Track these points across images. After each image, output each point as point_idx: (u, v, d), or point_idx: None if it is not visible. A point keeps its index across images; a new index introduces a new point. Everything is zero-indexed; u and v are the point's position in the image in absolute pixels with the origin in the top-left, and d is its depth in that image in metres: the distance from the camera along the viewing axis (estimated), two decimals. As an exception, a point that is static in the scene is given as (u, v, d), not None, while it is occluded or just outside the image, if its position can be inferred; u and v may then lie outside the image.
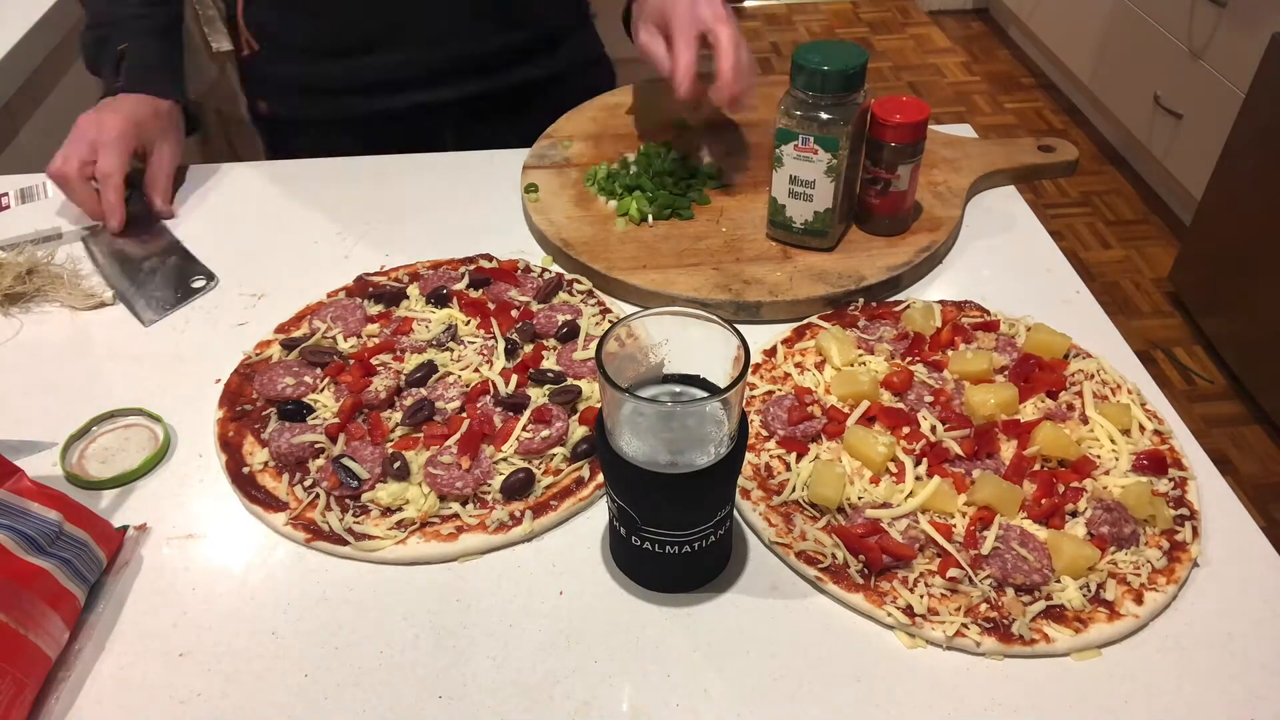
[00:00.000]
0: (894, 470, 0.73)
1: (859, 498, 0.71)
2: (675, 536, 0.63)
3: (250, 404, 0.80)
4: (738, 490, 0.72)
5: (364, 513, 0.71)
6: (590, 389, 0.80)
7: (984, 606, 0.65)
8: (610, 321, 0.88)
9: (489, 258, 0.96)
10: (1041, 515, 0.70)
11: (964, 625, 0.63)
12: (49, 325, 0.92)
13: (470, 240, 1.00)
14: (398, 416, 0.78)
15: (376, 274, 0.95)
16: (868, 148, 0.93)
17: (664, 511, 0.61)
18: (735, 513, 0.72)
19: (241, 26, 1.22)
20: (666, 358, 0.62)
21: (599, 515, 0.73)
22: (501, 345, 0.84)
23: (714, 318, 0.59)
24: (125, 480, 0.75)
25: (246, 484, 0.74)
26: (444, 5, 1.15)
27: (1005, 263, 0.98)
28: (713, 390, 0.60)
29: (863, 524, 0.69)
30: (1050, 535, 0.68)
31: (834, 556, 0.67)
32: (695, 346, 0.60)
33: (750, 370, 0.82)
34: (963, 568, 0.66)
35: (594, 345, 0.83)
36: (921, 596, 0.65)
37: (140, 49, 1.09)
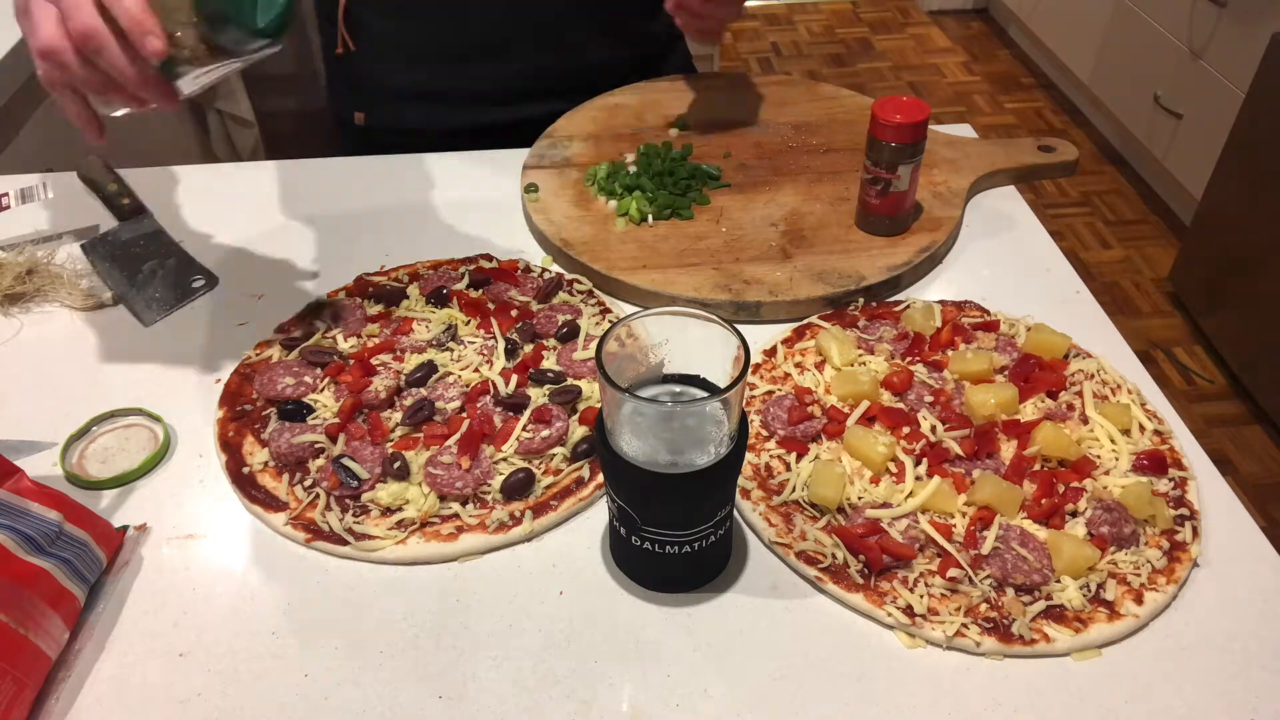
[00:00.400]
0: (894, 470, 0.73)
1: (859, 498, 0.71)
2: (675, 536, 0.63)
3: (250, 404, 0.80)
4: (738, 490, 0.72)
5: (364, 513, 0.71)
6: (590, 389, 0.80)
7: (984, 606, 0.65)
8: (610, 321, 0.88)
9: (489, 258, 0.96)
10: (1041, 515, 0.70)
11: (964, 625, 0.63)
12: (49, 325, 0.92)
13: (470, 240, 1.00)
14: (398, 416, 0.78)
15: (376, 274, 0.95)
16: (868, 147, 0.93)
17: (664, 511, 0.61)
18: (735, 513, 0.72)
19: (340, 24, 1.16)
20: (666, 358, 0.62)
21: (599, 515, 0.73)
22: (501, 345, 0.84)
23: (714, 318, 0.59)
24: (125, 480, 0.75)
25: (246, 484, 0.74)
26: (557, 16, 1.13)
27: (1005, 263, 0.98)
28: (713, 390, 0.61)
29: (863, 524, 0.69)
30: (1050, 535, 0.68)
31: (834, 556, 0.67)
32: (695, 346, 0.60)
33: (750, 370, 0.82)
34: (963, 568, 0.66)
35: (594, 345, 0.83)
36: (921, 596, 0.65)
37: None
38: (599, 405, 0.79)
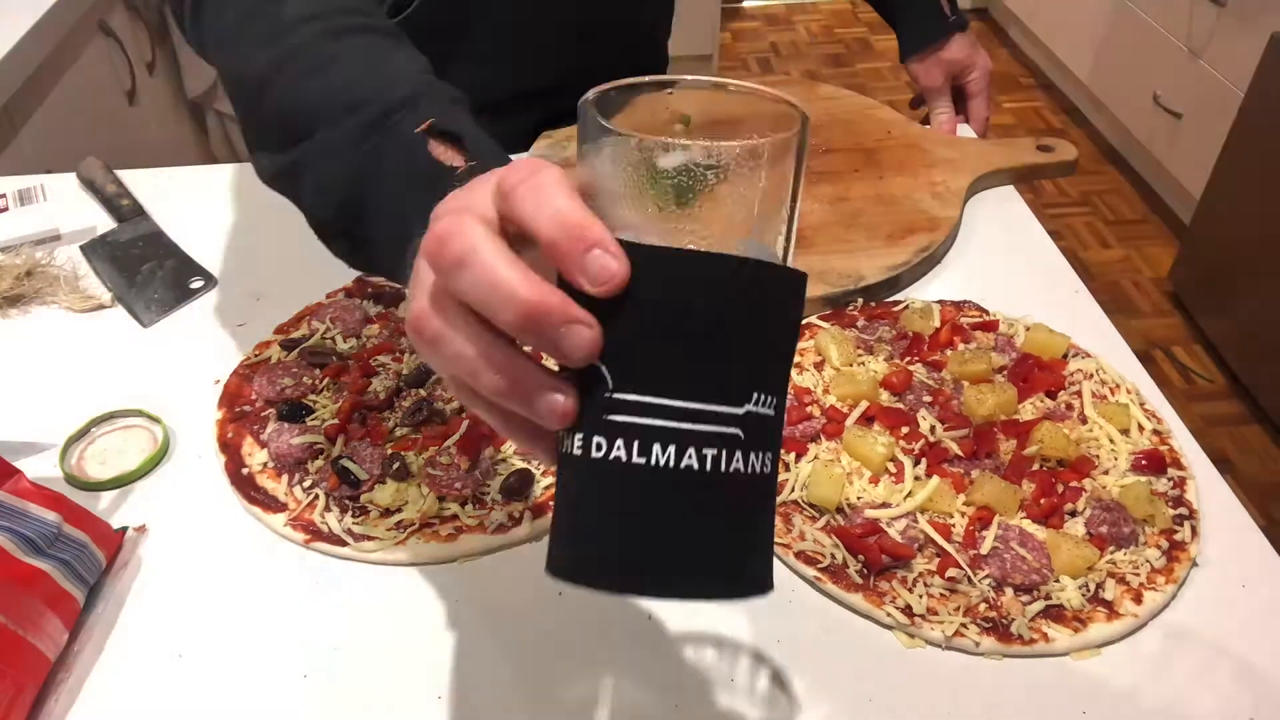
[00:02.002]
0: (893, 470, 0.73)
1: (858, 498, 0.71)
2: (675, 416, 0.33)
3: (249, 405, 0.80)
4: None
5: (363, 513, 0.71)
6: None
7: (983, 606, 0.65)
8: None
9: (488, 258, 0.96)
10: (1040, 515, 0.70)
11: (963, 625, 0.63)
12: (48, 326, 0.92)
13: (469, 241, 1.00)
14: (397, 417, 0.78)
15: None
16: None
17: (667, 342, 0.34)
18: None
19: None
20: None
21: (598, 515, 0.73)
22: (501, 346, 0.84)
23: (753, 86, 0.39)
24: (125, 481, 0.75)
25: (246, 485, 0.74)
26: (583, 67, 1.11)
27: (1004, 263, 0.98)
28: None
29: (862, 524, 0.69)
30: (1049, 535, 0.68)
31: (833, 556, 0.67)
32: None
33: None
34: (962, 567, 0.66)
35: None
36: (920, 596, 0.65)
37: (453, 116, 0.53)
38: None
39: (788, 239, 0.38)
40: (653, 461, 0.33)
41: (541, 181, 0.34)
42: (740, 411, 0.34)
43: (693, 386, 0.34)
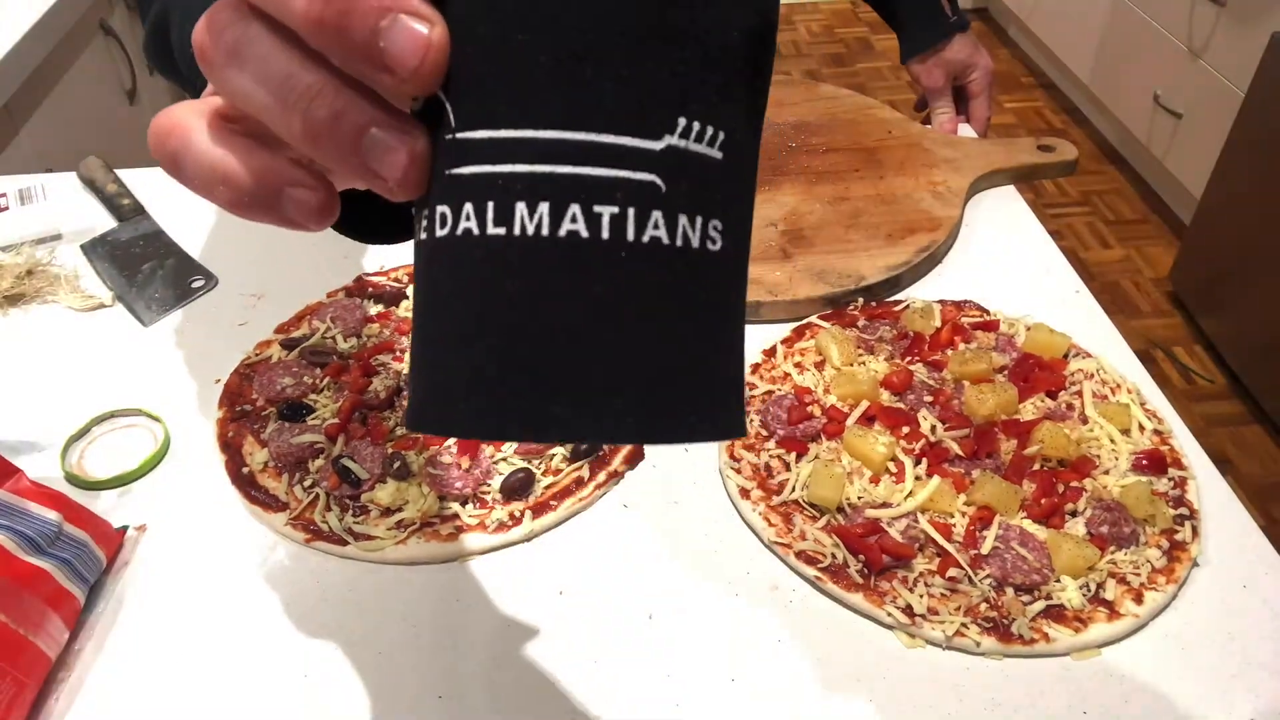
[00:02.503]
0: (893, 470, 0.73)
1: (859, 497, 0.71)
2: (549, 158, 0.22)
3: (250, 404, 0.80)
4: (738, 490, 0.72)
5: (364, 513, 0.71)
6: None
7: (984, 606, 0.65)
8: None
9: (489, 258, 0.96)
10: (1041, 515, 0.70)
11: (964, 625, 0.63)
12: (49, 325, 0.92)
13: (470, 240, 1.00)
14: (397, 416, 0.78)
15: (376, 274, 0.95)
16: None
17: (524, 50, 0.22)
18: (735, 511, 0.72)
19: None
20: None
21: (599, 515, 0.73)
22: (501, 345, 0.84)
23: None
24: (125, 480, 0.75)
25: (246, 484, 0.74)
26: None
27: (1005, 262, 0.98)
28: None
29: (862, 524, 0.69)
30: (1050, 535, 0.68)
31: (833, 556, 0.67)
32: None
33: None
34: (962, 567, 0.66)
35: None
36: (921, 596, 0.65)
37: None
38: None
39: None
40: (517, 230, 0.22)
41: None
42: (656, 147, 0.23)
43: (573, 108, 0.22)
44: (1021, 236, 1.02)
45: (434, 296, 0.24)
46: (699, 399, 0.24)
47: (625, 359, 0.22)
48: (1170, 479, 0.73)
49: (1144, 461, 0.74)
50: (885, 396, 0.79)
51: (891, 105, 1.20)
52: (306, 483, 0.73)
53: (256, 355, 0.85)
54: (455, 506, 0.71)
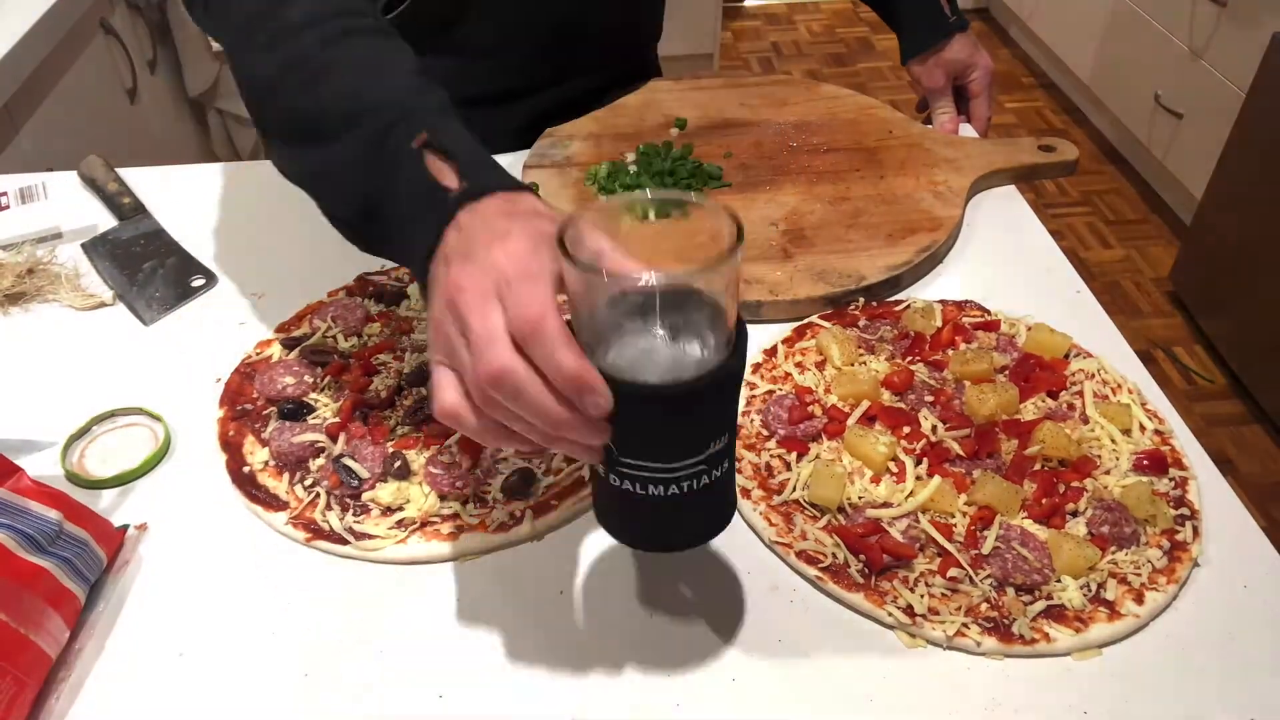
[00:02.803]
0: (894, 470, 0.73)
1: (859, 497, 0.71)
2: (659, 473, 0.51)
3: (250, 403, 0.80)
4: (738, 490, 0.72)
5: (364, 512, 0.71)
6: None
7: (984, 606, 0.65)
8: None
9: (489, 257, 0.96)
10: (1042, 515, 0.70)
11: (964, 625, 0.63)
12: (49, 325, 0.92)
13: (470, 240, 1.00)
14: (398, 416, 0.78)
15: (377, 273, 0.95)
16: None
17: (642, 434, 0.50)
18: (735, 510, 0.72)
19: None
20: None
21: (599, 515, 0.73)
22: (502, 345, 0.84)
23: (693, 197, 0.49)
24: (126, 480, 0.75)
25: (247, 483, 0.74)
26: (571, 60, 1.13)
27: (1005, 262, 0.98)
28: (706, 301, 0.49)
29: (863, 523, 0.69)
30: (1051, 535, 0.68)
31: (834, 556, 0.67)
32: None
33: (753, 367, 0.82)
34: (963, 567, 0.66)
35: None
36: (922, 596, 0.65)
37: (444, 128, 0.58)
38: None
39: (736, 313, 0.49)
40: (651, 494, 0.52)
41: (543, 335, 0.47)
42: (701, 458, 0.51)
43: (665, 453, 0.51)
44: (1022, 236, 1.02)
45: (618, 502, 0.54)
46: (722, 520, 0.58)
47: (697, 523, 0.57)
48: (1171, 479, 0.73)
49: (1145, 461, 0.74)
50: (886, 396, 0.79)
51: (892, 105, 1.20)
52: (307, 482, 0.73)
53: (257, 354, 0.85)
54: (456, 506, 0.71)
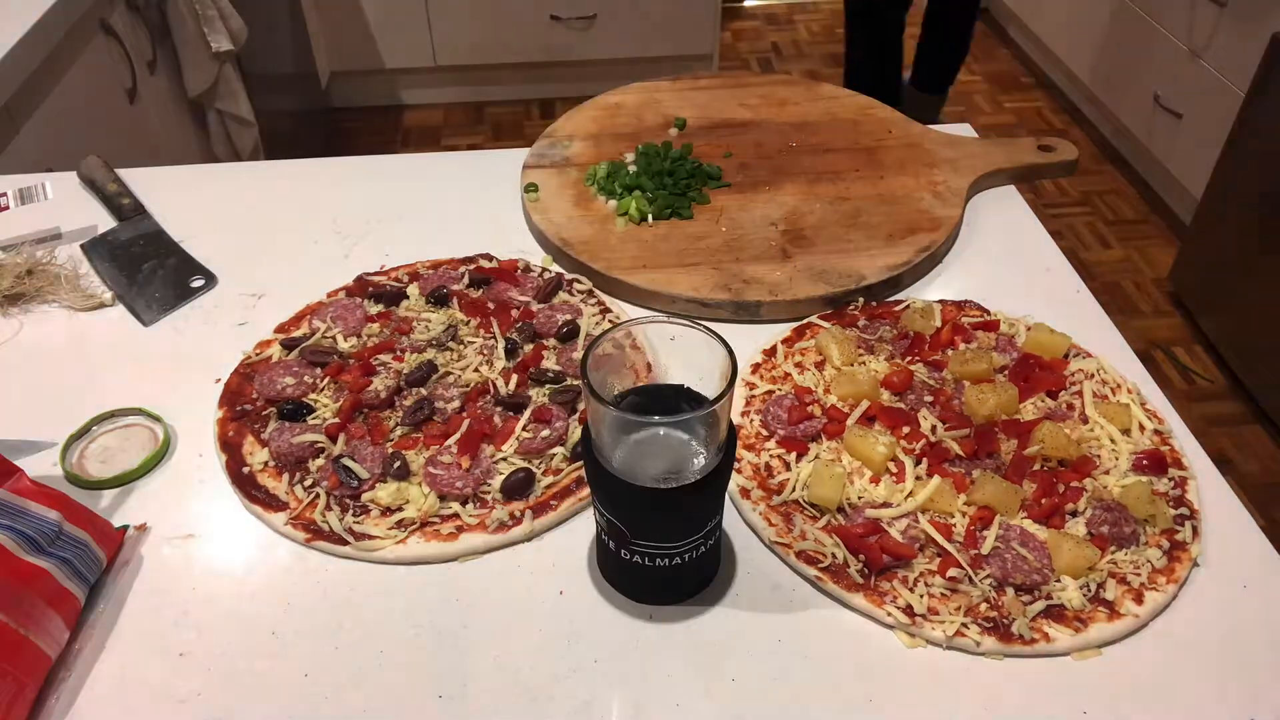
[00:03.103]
0: (894, 470, 0.73)
1: (859, 497, 0.71)
2: (666, 549, 0.62)
3: (250, 404, 0.80)
4: (738, 490, 0.72)
5: (364, 512, 0.71)
6: (590, 389, 0.80)
7: (984, 606, 0.65)
8: (610, 322, 0.88)
9: (489, 257, 0.96)
10: (1041, 515, 0.70)
11: (964, 625, 0.63)
12: (49, 325, 0.92)
13: (470, 240, 1.00)
14: (398, 416, 0.78)
15: (376, 274, 0.95)
16: None
17: (655, 525, 0.61)
18: (735, 512, 0.72)
19: None
20: (665, 369, 0.62)
21: (599, 515, 0.73)
22: (501, 345, 0.84)
23: (701, 326, 0.58)
24: (125, 480, 0.75)
25: (246, 484, 0.74)
26: None
27: (1005, 262, 0.98)
28: (700, 400, 0.60)
29: (863, 524, 0.69)
30: (1050, 535, 0.68)
31: (834, 556, 0.67)
32: (682, 353, 0.60)
33: (742, 376, 0.82)
34: (963, 567, 0.66)
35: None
36: (921, 596, 0.65)
37: None
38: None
39: (728, 429, 0.59)
40: (658, 564, 0.63)
41: None
42: (700, 535, 0.62)
43: (668, 536, 0.61)
44: (1022, 236, 1.02)
45: (631, 569, 0.64)
46: (710, 580, 0.69)
47: (695, 581, 0.68)
48: (1170, 479, 0.73)
49: (1144, 461, 0.74)
50: (885, 396, 0.79)
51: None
52: (307, 482, 0.73)
53: (257, 355, 0.85)
54: (455, 506, 0.71)
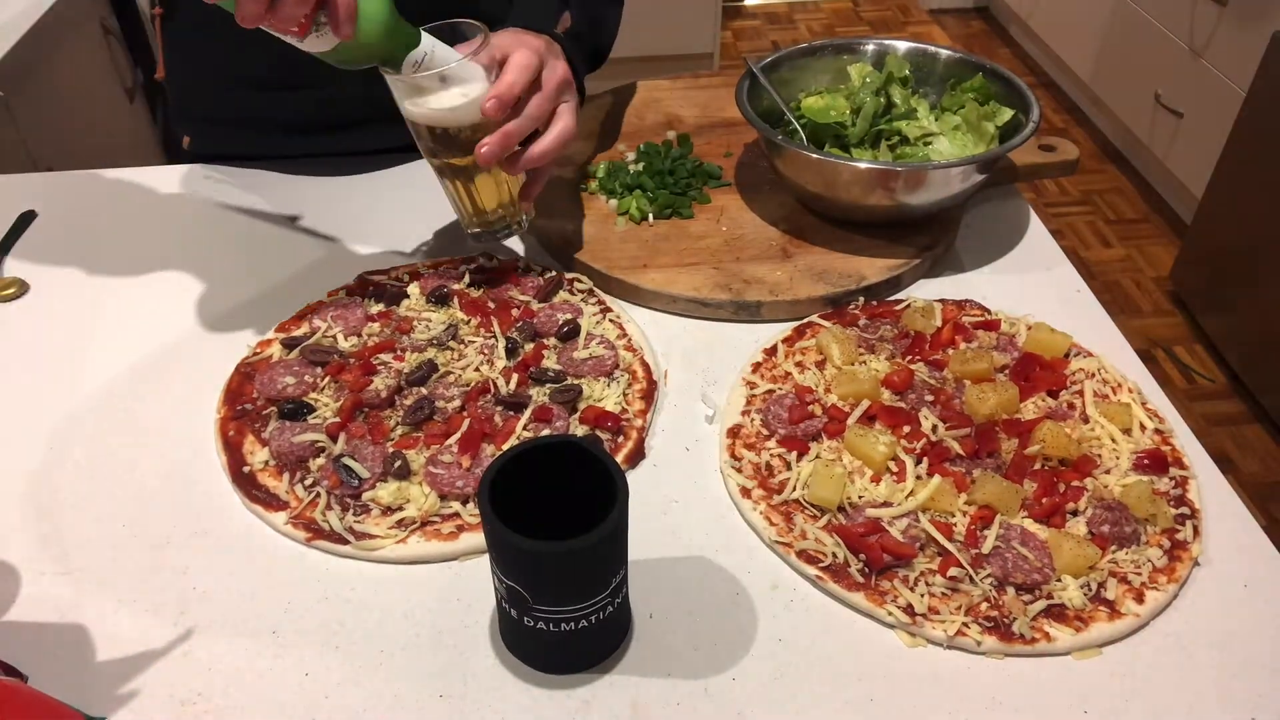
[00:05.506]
0: (894, 469, 0.73)
1: (859, 497, 0.71)
2: (571, 612, 0.58)
3: (250, 403, 0.80)
4: (738, 490, 0.72)
5: (364, 512, 0.71)
6: (591, 388, 0.80)
7: (985, 605, 0.65)
8: (611, 321, 0.88)
9: (489, 257, 0.96)
10: (1042, 514, 0.70)
11: (965, 624, 0.63)
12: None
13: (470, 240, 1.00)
14: (398, 415, 0.78)
15: (377, 273, 0.95)
16: None
17: (554, 584, 0.57)
18: (736, 510, 0.72)
19: (159, 48, 1.10)
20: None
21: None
22: (502, 344, 0.84)
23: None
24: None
25: (247, 483, 0.74)
26: None
27: (1006, 262, 0.98)
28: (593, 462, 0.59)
29: (863, 523, 0.69)
30: (1051, 534, 0.68)
31: (834, 555, 0.67)
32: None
33: (736, 382, 0.82)
34: (963, 567, 0.66)
35: (595, 344, 0.83)
36: (922, 595, 0.65)
37: None
38: (599, 404, 0.79)
39: (616, 471, 0.58)
40: (560, 629, 0.59)
41: None
42: (601, 596, 0.59)
43: (568, 600, 0.58)
44: (1022, 235, 1.02)
45: (533, 636, 0.60)
46: (619, 645, 0.65)
47: (599, 648, 0.64)
48: (1171, 478, 0.73)
49: (1145, 461, 0.74)
50: (886, 396, 0.79)
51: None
52: (307, 482, 0.73)
53: (257, 354, 0.85)
54: (456, 505, 0.71)
